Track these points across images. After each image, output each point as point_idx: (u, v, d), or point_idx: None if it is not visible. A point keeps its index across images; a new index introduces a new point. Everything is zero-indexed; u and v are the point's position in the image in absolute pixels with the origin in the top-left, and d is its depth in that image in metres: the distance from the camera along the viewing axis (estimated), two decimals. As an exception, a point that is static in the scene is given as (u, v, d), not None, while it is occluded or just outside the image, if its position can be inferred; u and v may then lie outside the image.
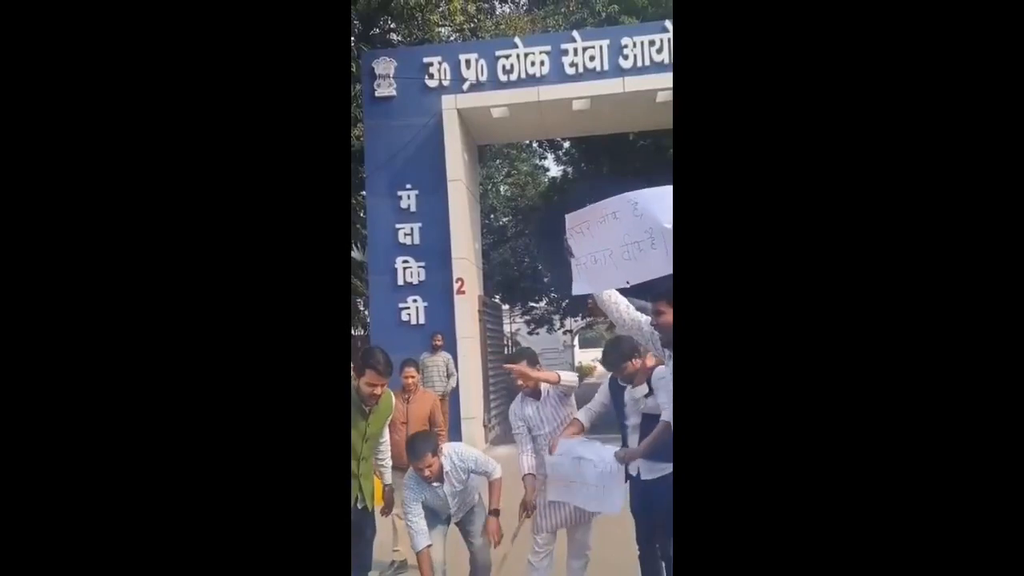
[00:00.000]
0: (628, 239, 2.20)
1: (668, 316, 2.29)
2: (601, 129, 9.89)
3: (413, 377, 4.14)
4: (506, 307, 24.46)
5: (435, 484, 3.04)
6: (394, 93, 8.66)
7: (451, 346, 7.97)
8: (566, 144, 17.35)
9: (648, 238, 2.13)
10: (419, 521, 3.01)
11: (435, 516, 3.14)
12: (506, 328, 25.72)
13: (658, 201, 2.16)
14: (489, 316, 9.28)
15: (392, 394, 3.32)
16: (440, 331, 7.87)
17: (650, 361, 2.92)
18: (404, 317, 8.42)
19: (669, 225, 2.05)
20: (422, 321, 8.36)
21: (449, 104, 8.39)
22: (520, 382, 3.20)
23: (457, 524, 3.26)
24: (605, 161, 14.67)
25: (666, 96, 8.18)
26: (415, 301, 8.44)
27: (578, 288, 2.53)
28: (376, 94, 8.68)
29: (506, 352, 9.62)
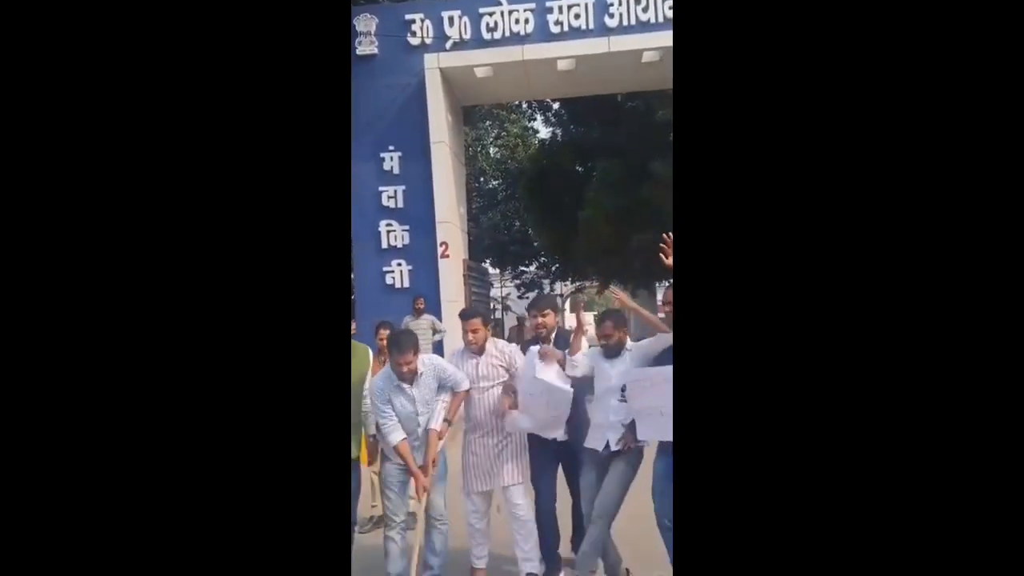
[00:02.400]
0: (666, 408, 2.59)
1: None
2: (587, 90, 9.74)
3: (384, 340, 4.18)
4: (496, 271, 24.46)
5: (405, 385, 3.13)
6: (376, 51, 8.46)
7: (436, 310, 7.96)
8: (555, 105, 17.12)
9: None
10: (390, 419, 3.14)
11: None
12: (496, 292, 25.79)
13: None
14: (474, 280, 9.24)
15: (368, 348, 3.41)
16: (423, 295, 7.86)
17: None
18: (388, 281, 8.38)
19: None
20: (406, 285, 8.33)
21: (432, 63, 8.22)
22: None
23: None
24: (594, 123, 14.50)
25: (652, 56, 8.03)
26: (399, 265, 8.39)
27: (645, 435, 2.99)
28: (358, 52, 8.48)
29: (493, 317, 9.67)
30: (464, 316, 3.38)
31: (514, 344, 3.52)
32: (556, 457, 3.30)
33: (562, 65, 8.20)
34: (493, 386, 3.26)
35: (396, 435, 3.12)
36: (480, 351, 3.32)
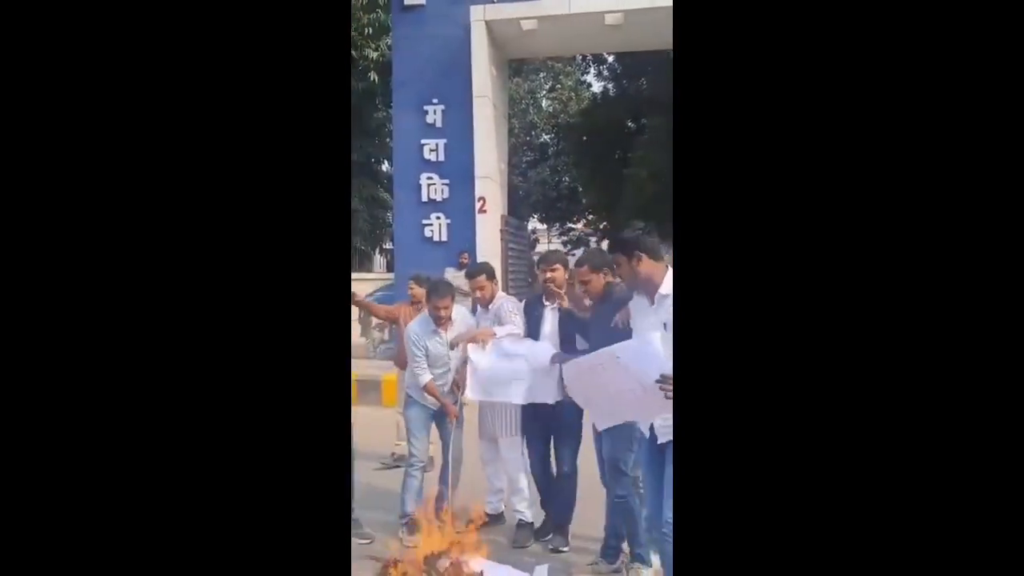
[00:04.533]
0: (623, 386, 2.24)
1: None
2: (635, 45, 9.46)
3: (413, 290, 4.48)
4: (543, 227, 24.35)
5: (440, 330, 3.38)
6: (423, 2, 8.41)
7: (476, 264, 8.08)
8: (610, 58, 16.69)
9: (639, 387, 2.18)
10: (423, 362, 3.40)
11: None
12: (542, 248, 25.71)
13: (640, 359, 2.19)
14: (512, 236, 9.30)
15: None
16: (462, 249, 7.98)
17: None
18: (427, 234, 8.51)
19: (652, 380, 2.13)
20: (445, 238, 8.44)
21: (477, 15, 8.12)
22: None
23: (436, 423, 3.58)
24: (645, 77, 14.10)
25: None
26: (438, 218, 8.49)
27: (601, 424, 2.67)
28: (405, 2, 8.46)
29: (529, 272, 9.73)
30: (468, 275, 3.53)
31: (512, 300, 3.60)
32: (547, 421, 3.37)
33: (610, 19, 7.98)
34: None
35: (425, 375, 3.39)
36: (486, 307, 3.49)
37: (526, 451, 3.46)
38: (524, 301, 3.56)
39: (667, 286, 2.33)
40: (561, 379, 2.90)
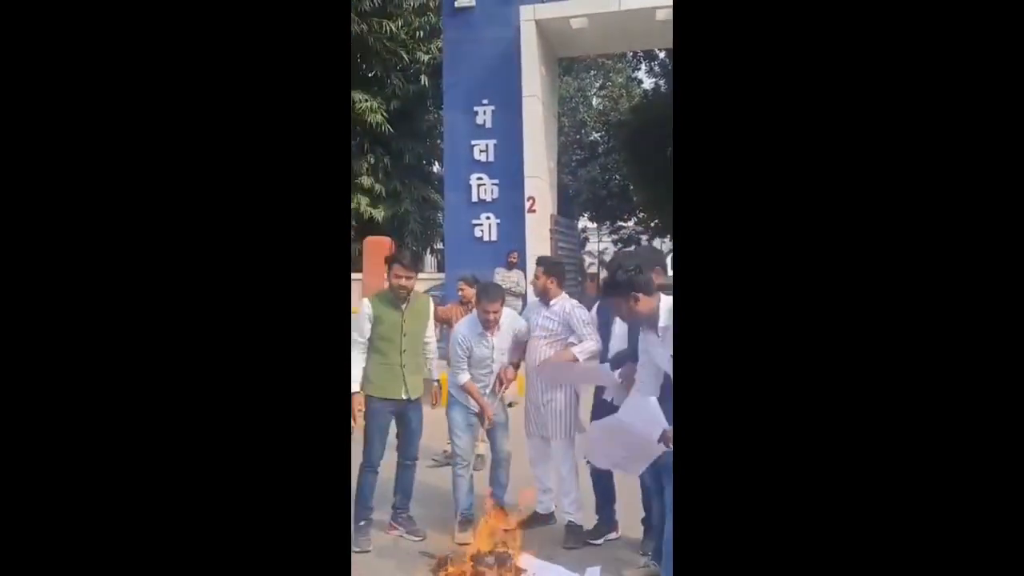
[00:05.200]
0: (633, 445, 2.52)
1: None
2: (689, 40, 9.30)
3: (463, 291, 4.60)
4: (593, 226, 24.21)
5: (487, 333, 3.39)
6: (473, 3, 8.48)
7: (523, 264, 8.10)
8: (661, 54, 16.45)
9: (646, 444, 2.45)
10: (463, 363, 3.42)
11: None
12: (592, 247, 25.56)
13: (643, 420, 2.43)
14: (562, 235, 9.28)
15: (429, 297, 3.67)
16: (512, 248, 8.01)
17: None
18: (477, 233, 8.59)
19: (655, 439, 2.39)
20: (494, 238, 8.50)
21: (528, 15, 8.15)
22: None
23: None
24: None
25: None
26: (488, 218, 8.56)
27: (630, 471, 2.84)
28: (456, 4, 8.55)
29: (587, 272, 9.65)
30: (541, 265, 3.51)
31: (582, 307, 3.50)
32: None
33: (660, 15, 7.88)
34: (548, 341, 3.37)
35: (463, 376, 3.41)
36: (547, 303, 3.44)
37: (570, 456, 3.41)
38: (595, 308, 3.44)
39: (665, 317, 2.48)
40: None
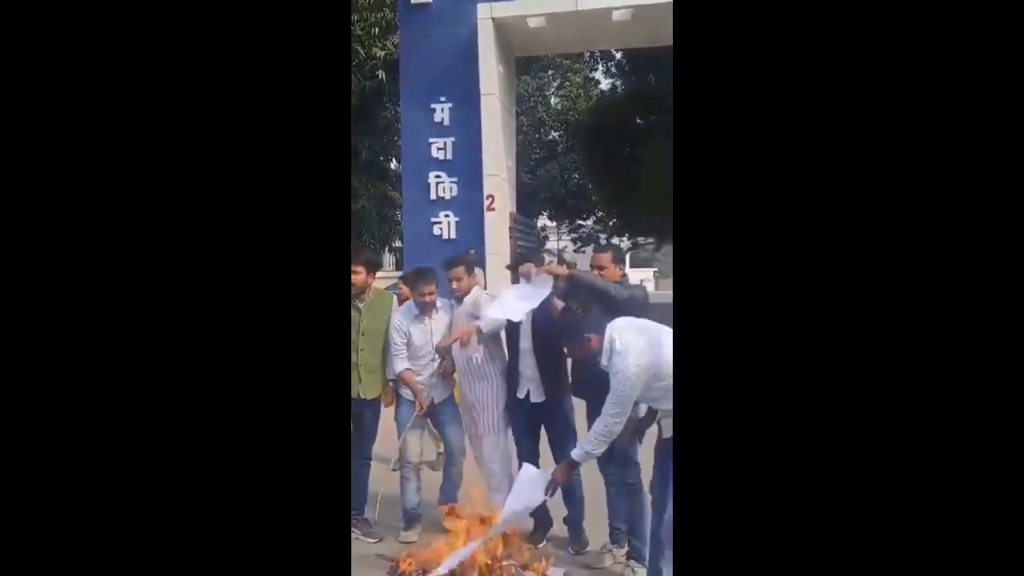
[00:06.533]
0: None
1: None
2: (643, 41, 9.41)
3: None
4: (552, 224, 24.33)
5: (424, 317, 3.34)
6: (430, 0, 8.41)
7: (481, 262, 8.08)
8: (618, 55, 16.62)
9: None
10: (401, 350, 3.37)
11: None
12: (552, 245, 25.67)
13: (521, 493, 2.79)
14: (520, 233, 9.28)
15: (392, 295, 3.61)
16: (469, 247, 7.97)
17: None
18: (436, 232, 8.52)
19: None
20: (453, 236, 8.45)
21: (484, 13, 8.11)
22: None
23: (430, 419, 3.54)
24: (653, 73, 14.04)
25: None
26: (447, 216, 8.51)
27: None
28: (412, 1, 8.46)
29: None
30: (447, 265, 3.41)
31: (487, 295, 3.46)
32: (535, 418, 3.30)
33: (617, 16, 7.95)
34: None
35: (400, 364, 3.35)
36: (460, 300, 3.37)
37: (513, 449, 3.39)
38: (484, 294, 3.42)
39: (607, 351, 2.56)
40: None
